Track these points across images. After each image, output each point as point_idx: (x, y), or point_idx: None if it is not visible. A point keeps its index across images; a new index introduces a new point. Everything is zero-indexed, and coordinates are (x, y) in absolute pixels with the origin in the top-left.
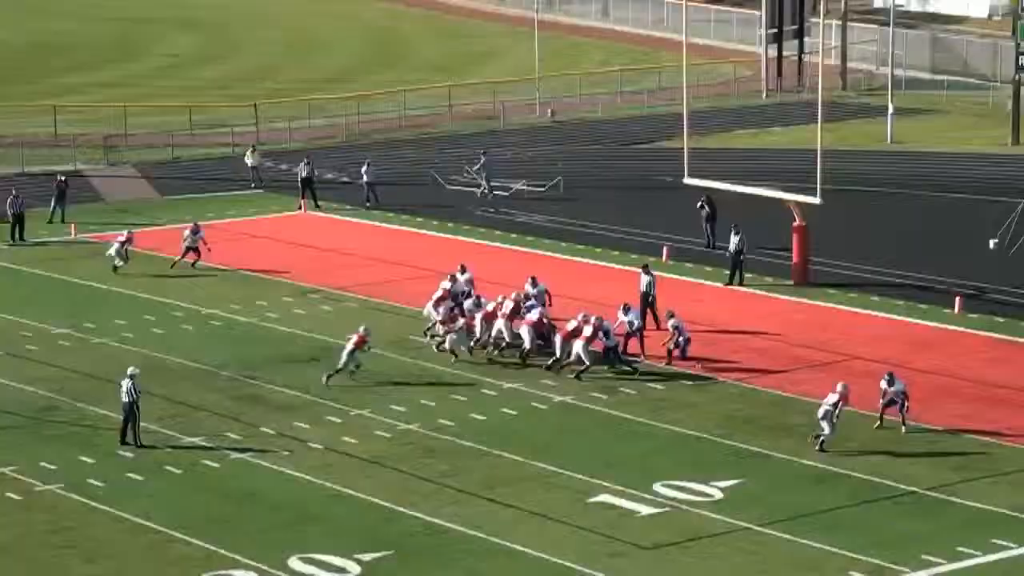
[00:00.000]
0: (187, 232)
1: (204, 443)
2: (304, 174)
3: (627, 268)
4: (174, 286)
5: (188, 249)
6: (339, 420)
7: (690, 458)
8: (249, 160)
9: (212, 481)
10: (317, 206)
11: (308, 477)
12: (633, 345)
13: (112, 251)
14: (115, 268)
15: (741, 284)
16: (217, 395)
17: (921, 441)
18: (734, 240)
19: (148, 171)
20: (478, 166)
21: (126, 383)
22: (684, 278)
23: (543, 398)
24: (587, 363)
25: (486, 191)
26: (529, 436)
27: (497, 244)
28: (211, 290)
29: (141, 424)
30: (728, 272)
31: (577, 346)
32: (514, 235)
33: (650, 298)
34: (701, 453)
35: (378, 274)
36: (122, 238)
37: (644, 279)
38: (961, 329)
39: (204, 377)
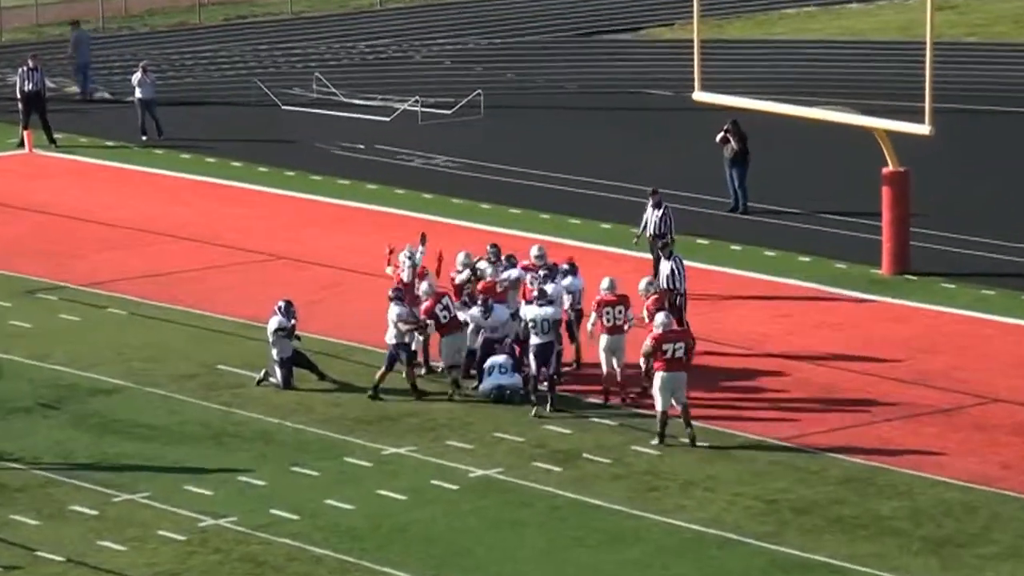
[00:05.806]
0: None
1: None
2: (29, 88)
3: (598, 247)
4: None
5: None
6: (94, 512)
7: (707, 574)
8: None
9: None
10: (52, 141)
11: None
12: None
13: None
14: None
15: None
16: None
17: None
18: (653, 216)
19: None
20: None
21: None
22: (696, 264)
23: (451, 471)
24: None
25: (78, 91)
26: (428, 537)
27: (370, 206)
28: None
29: None
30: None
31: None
32: (401, 190)
33: (678, 297)
34: (725, 566)
35: (162, 259)
36: None
37: (665, 266)
38: None
39: None
